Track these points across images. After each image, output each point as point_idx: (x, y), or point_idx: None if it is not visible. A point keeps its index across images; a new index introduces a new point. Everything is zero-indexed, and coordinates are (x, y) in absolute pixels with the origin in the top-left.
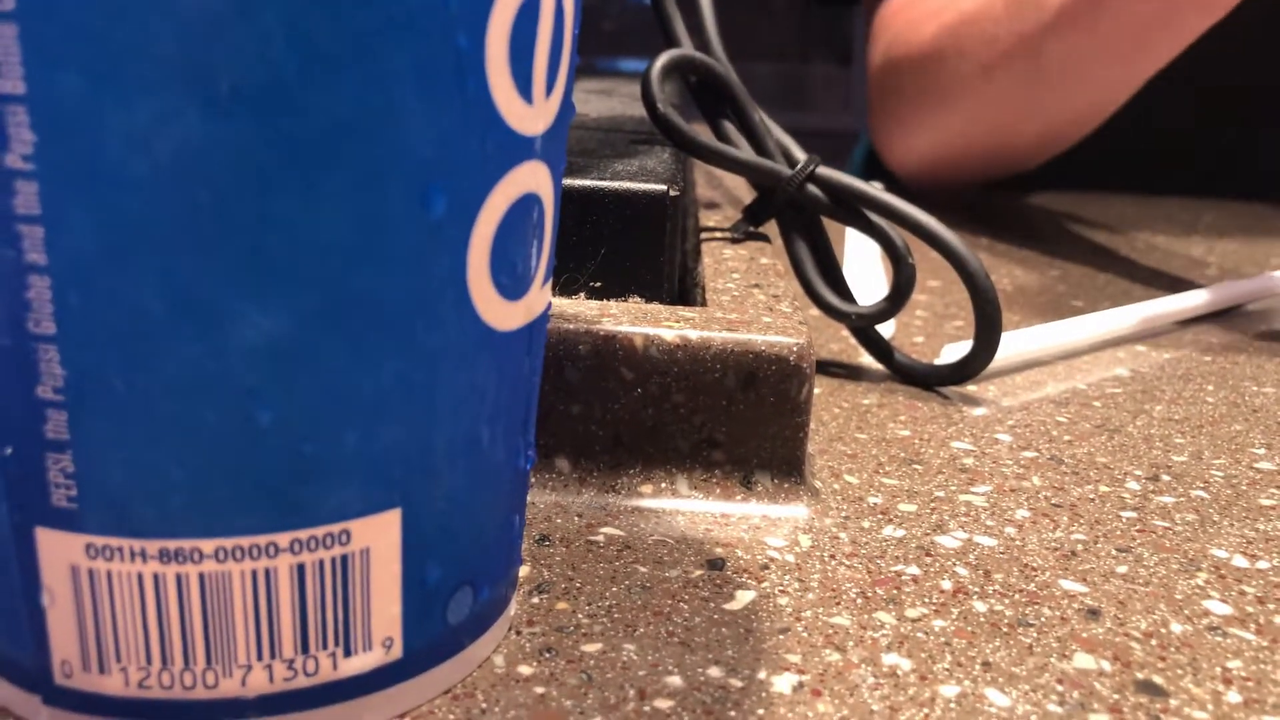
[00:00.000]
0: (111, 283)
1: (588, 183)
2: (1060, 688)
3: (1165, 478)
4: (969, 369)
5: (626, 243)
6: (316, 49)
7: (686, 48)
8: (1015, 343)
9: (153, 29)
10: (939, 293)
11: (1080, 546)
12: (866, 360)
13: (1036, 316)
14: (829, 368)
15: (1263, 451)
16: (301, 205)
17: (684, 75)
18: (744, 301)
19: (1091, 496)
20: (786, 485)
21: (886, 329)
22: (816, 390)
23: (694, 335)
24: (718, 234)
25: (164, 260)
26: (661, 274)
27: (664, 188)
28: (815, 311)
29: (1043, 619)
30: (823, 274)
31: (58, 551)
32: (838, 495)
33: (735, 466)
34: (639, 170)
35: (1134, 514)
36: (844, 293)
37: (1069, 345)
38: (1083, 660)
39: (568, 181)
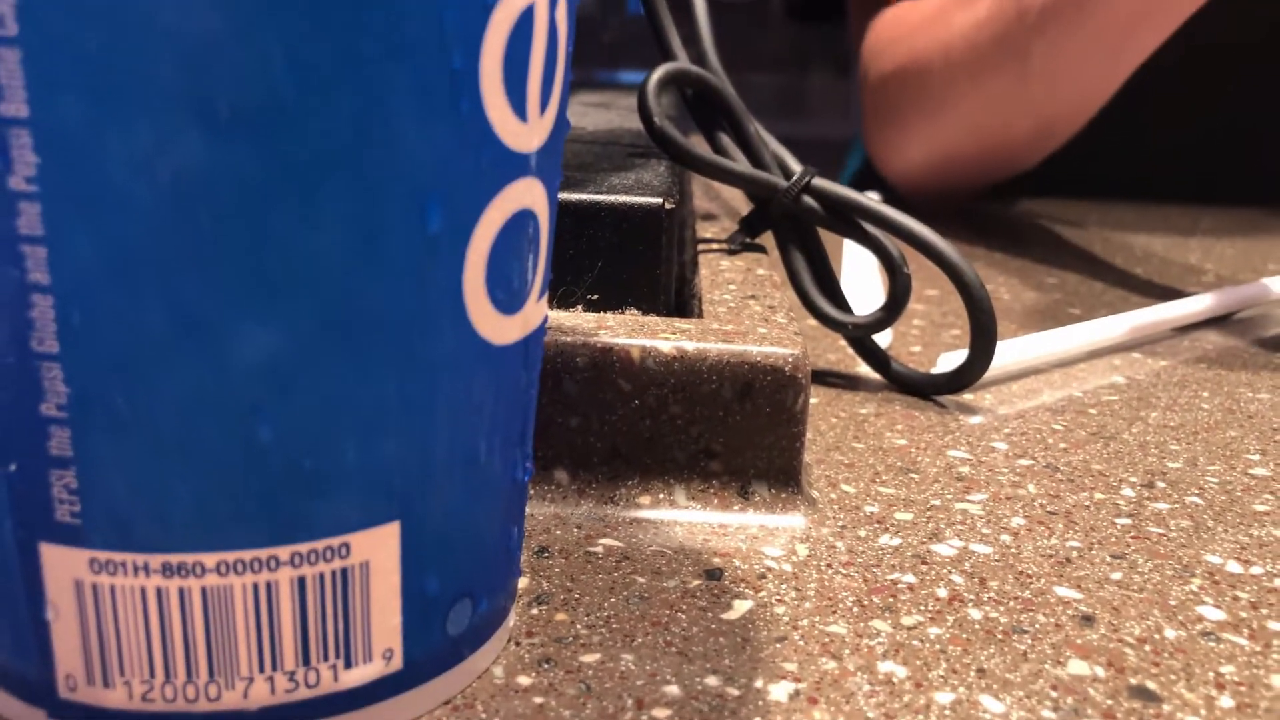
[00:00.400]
0: (113, 301)
1: (585, 196)
2: (1054, 694)
3: (1160, 484)
4: (965, 378)
5: (623, 256)
6: (314, 71)
7: (683, 61)
8: (1011, 351)
9: (153, 53)
10: (936, 302)
11: (1075, 553)
12: (863, 370)
13: (1033, 324)
14: (826, 377)
15: (1257, 457)
16: (300, 224)
17: (680, 88)
18: (740, 313)
19: (1087, 504)
20: (784, 495)
21: (883, 338)
22: (814, 400)
23: (690, 346)
24: (715, 245)
25: (165, 279)
26: (658, 286)
27: (659, 201)
28: (812, 322)
29: (1037, 626)
30: (819, 284)
31: (62, 566)
32: (835, 504)
33: (732, 477)
34: (635, 184)
35: (1129, 521)
36: (840, 303)
37: (1065, 353)
38: (1077, 666)
39: (565, 195)
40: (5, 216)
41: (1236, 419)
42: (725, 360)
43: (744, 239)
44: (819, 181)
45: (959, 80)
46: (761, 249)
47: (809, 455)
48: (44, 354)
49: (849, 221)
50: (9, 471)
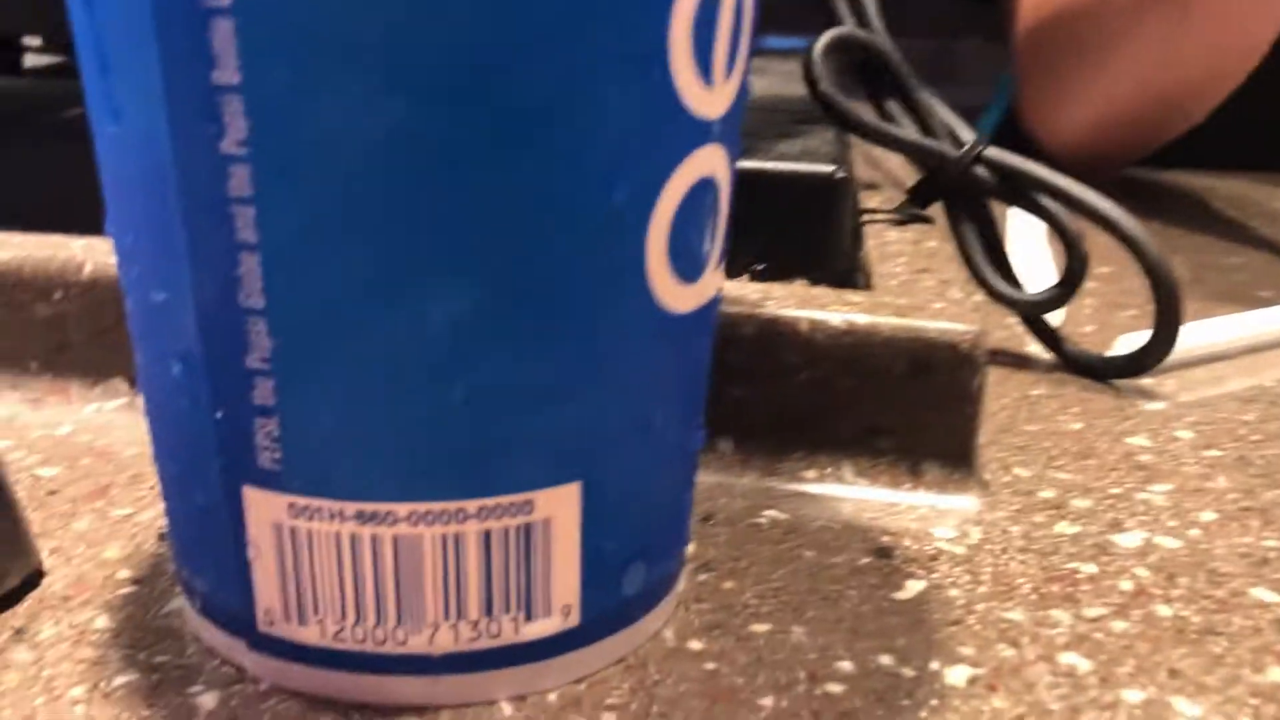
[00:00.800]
0: (316, 260)
1: (754, 164)
2: (1254, 701)
3: None
4: (1145, 361)
5: (792, 225)
6: (512, 39)
7: (847, 25)
8: (1197, 334)
9: (357, 22)
10: (1110, 280)
11: (1274, 554)
12: (1035, 349)
13: (1216, 306)
14: (996, 356)
15: None
16: (493, 190)
17: (846, 53)
18: (913, 286)
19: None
20: (956, 476)
21: (1056, 317)
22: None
23: (862, 320)
24: (880, 216)
25: (365, 241)
26: (828, 257)
27: (831, 169)
28: (980, 297)
29: (1234, 628)
30: (990, 259)
31: (264, 509)
32: (1008, 488)
33: (902, 455)
34: (803, 151)
35: None
36: (1012, 279)
37: (1256, 338)
38: (1278, 674)
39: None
40: (218, 179)
41: None
42: (899, 335)
43: (912, 210)
44: (992, 151)
45: (1119, 24)
46: (930, 220)
47: (980, 436)
48: (251, 309)
49: (1023, 193)
50: (217, 418)
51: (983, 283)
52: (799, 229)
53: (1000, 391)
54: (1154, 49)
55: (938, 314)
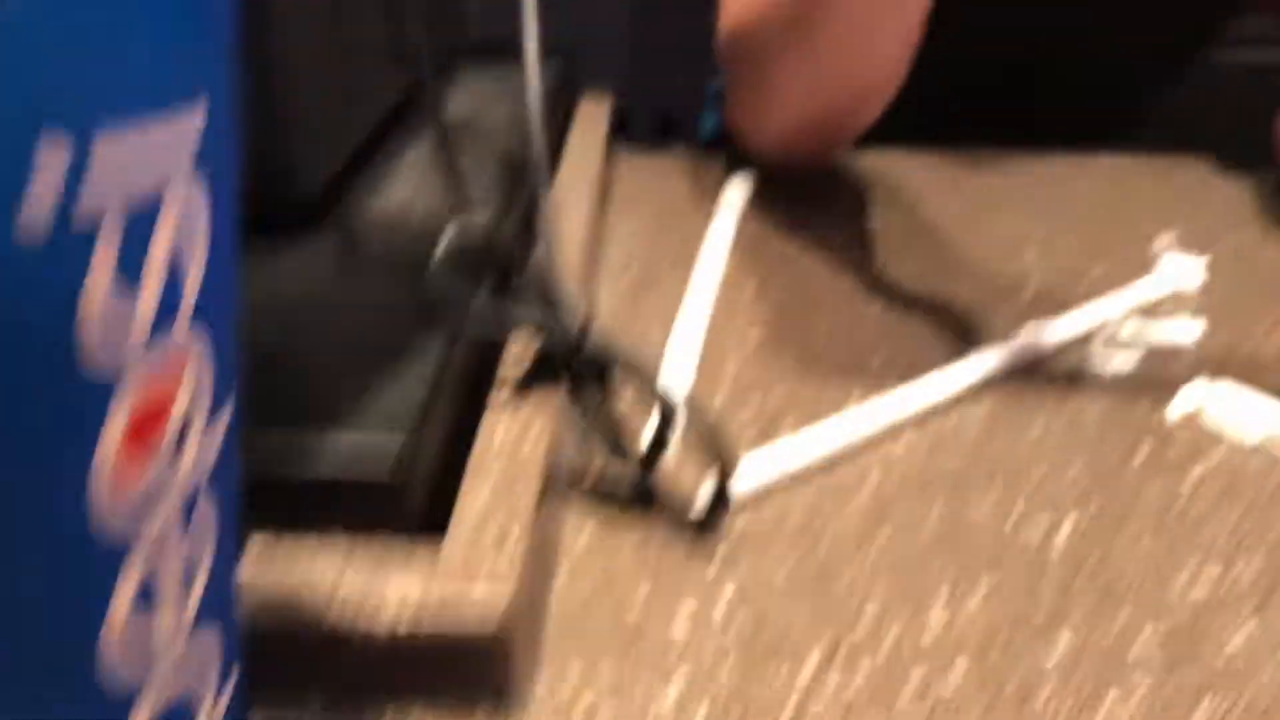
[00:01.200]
0: None
1: (295, 477)
2: None
3: (844, 649)
4: (712, 514)
5: (347, 520)
6: None
7: (470, 210)
8: (765, 466)
9: None
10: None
11: None
12: (635, 509)
13: (836, 381)
14: (597, 519)
15: (945, 597)
16: None
17: (468, 247)
18: (478, 538)
19: (767, 689)
20: (500, 715)
21: (677, 470)
22: (584, 541)
23: (410, 607)
24: (497, 401)
25: None
26: (407, 521)
27: (382, 474)
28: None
29: None
30: (599, 429)
31: None
32: (549, 707)
33: (450, 708)
34: (374, 412)
35: (796, 696)
36: (620, 445)
37: (826, 452)
38: None
39: (273, 471)
40: None
41: (947, 544)
42: (432, 627)
43: (526, 392)
44: (593, 332)
45: (775, 42)
46: (544, 399)
47: (551, 630)
48: None
49: (624, 367)
50: None
51: (589, 452)
52: (355, 525)
53: (587, 575)
54: (801, 75)
55: (490, 576)
